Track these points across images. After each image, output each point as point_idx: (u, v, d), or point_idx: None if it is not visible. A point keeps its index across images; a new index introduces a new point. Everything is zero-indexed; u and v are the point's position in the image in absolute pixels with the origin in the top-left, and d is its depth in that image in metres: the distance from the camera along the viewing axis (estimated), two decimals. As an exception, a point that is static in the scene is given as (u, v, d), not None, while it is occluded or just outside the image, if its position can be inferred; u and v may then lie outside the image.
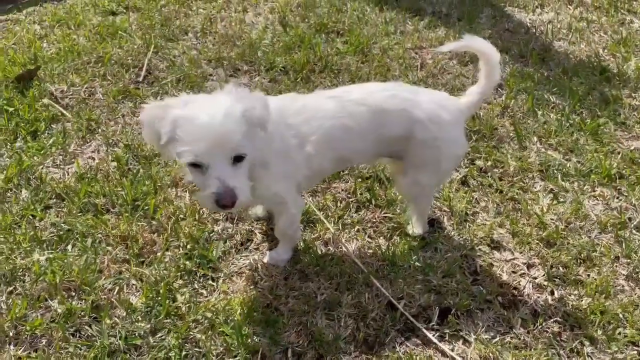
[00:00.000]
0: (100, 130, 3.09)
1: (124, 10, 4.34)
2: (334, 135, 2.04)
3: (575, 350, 2.08)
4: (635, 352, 2.10)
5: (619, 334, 2.14)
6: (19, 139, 3.00)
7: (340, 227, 2.55)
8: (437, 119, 2.09)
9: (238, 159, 1.74)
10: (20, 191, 2.66)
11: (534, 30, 4.31)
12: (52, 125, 3.11)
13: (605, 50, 4.09)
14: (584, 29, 4.35)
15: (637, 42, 4.18)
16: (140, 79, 3.54)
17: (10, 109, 3.16)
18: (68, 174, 2.79)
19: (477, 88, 2.23)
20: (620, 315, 2.20)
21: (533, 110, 3.37)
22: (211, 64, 3.73)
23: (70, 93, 3.37)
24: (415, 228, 2.50)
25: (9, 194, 2.65)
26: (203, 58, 3.75)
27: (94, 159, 2.92)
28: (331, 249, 2.45)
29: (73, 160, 2.88)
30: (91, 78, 3.51)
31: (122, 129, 3.10)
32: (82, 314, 2.12)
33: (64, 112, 3.18)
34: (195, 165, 1.73)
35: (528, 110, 3.37)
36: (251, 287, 2.26)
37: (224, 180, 1.69)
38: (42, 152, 2.90)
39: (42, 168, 2.80)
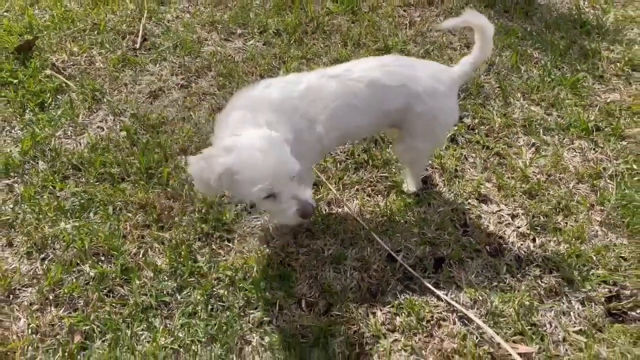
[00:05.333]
0: (105, 100, 3.21)
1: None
2: (339, 114, 2.18)
3: (554, 290, 2.36)
4: (607, 289, 2.37)
5: (592, 274, 2.42)
6: (27, 111, 3.12)
7: (341, 188, 2.77)
8: (433, 91, 2.25)
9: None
10: (37, 163, 2.82)
11: (518, -17, 4.42)
12: (58, 96, 3.23)
13: (586, 2, 4.24)
14: (565, -20, 4.47)
15: (617, -7, 4.33)
16: (137, 45, 3.63)
17: (15, 81, 3.27)
18: (80, 145, 2.95)
19: (470, 58, 2.37)
20: (594, 258, 2.48)
21: (517, 67, 3.55)
22: (205, 28, 3.82)
23: (71, 63, 3.46)
24: (410, 186, 2.72)
25: (27, 166, 2.81)
26: (197, 22, 3.84)
27: (102, 128, 3.06)
28: (334, 208, 2.68)
29: (83, 131, 3.02)
30: (89, 46, 3.60)
31: (126, 97, 3.23)
32: (113, 276, 2.34)
33: (68, 82, 3.29)
34: (267, 196, 1.91)
35: (512, 66, 3.55)
36: (264, 245, 2.49)
37: (298, 196, 1.91)
38: (52, 123, 3.04)
39: (54, 140, 2.95)
